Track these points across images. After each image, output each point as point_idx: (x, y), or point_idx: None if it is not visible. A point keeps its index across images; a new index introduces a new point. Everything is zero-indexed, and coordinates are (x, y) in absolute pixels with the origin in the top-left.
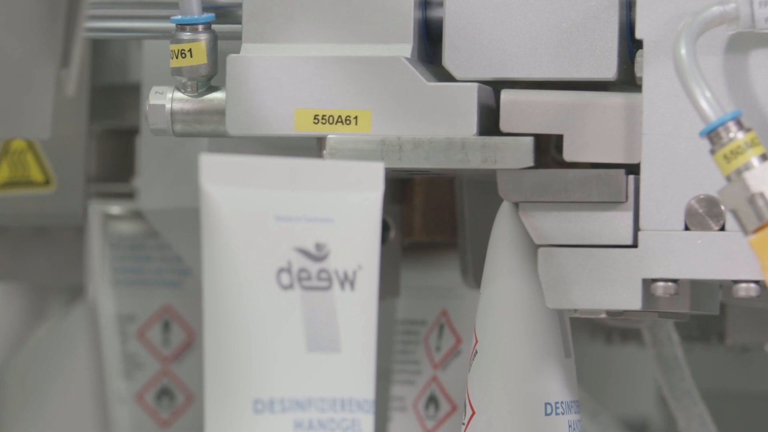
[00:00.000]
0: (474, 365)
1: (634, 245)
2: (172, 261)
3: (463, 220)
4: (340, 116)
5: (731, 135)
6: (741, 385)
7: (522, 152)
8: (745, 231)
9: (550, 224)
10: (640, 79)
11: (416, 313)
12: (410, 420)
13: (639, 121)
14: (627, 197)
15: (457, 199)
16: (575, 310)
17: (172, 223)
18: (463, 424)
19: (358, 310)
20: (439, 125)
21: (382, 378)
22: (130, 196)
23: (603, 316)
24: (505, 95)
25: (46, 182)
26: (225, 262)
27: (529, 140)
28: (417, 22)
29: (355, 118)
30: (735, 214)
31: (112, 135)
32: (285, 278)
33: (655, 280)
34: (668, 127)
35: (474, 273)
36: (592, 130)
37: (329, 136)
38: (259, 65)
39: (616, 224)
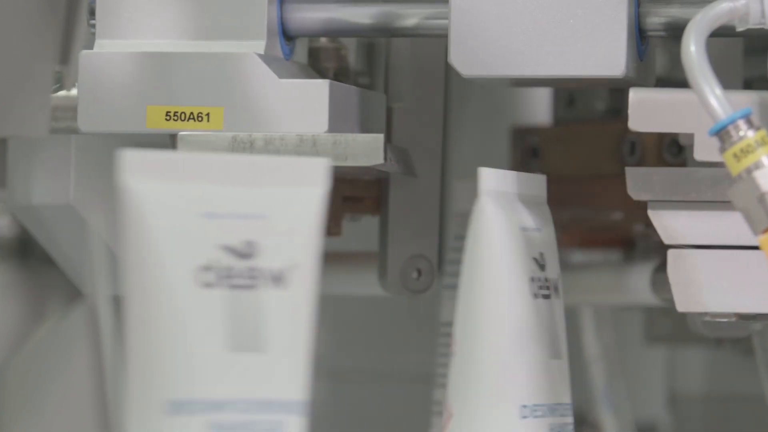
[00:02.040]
0: (452, 367)
1: None
2: None
3: (386, 222)
4: (192, 113)
5: (741, 133)
6: None
7: (373, 149)
8: (755, 231)
9: (680, 224)
10: None
11: (446, 315)
12: None
13: None
14: None
15: (381, 200)
16: (706, 314)
17: (41, 220)
18: (443, 427)
19: (289, 309)
20: (292, 122)
21: (424, 382)
22: None
23: (734, 319)
24: (634, 94)
25: None
26: (144, 260)
27: (380, 137)
28: (272, 19)
29: (207, 114)
30: (745, 213)
31: None
32: (206, 276)
33: None
34: None
35: (392, 277)
36: None
37: (181, 132)
38: (111, 61)
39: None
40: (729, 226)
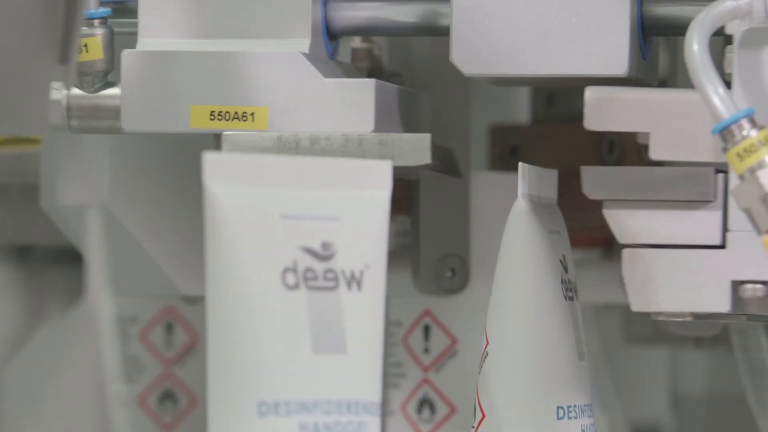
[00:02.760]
0: (485, 368)
1: (723, 246)
2: None
3: (417, 222)
4: (236, 112)
5: (744, 133)
6: None
7: (420, 149)
8: (759, 231)
9: (635, 224)
10: (729, 75)
11: (391, 314)
12: (399, 423)
13: None
14: (716, 196)
15: (412, 200)
16: (660, 313)
17: (75, 222)
18: (473, 427)
19: (365, 311)
20: (337, 121)
21: None
22: None
23: (689, 319)
24: (590, 92)
25: None
26: (229, 262)
27: (427, 137)
28: (316, 18)
29: (252, 114)
30: (748, 213)
31: None
32: (290, 278)
33: (743, 282)
34: None
35: (425, 278)
36: (680, 128)
37: (225, 132)
38: (155, 60)
39: (704, 224)
40: (685, 225)
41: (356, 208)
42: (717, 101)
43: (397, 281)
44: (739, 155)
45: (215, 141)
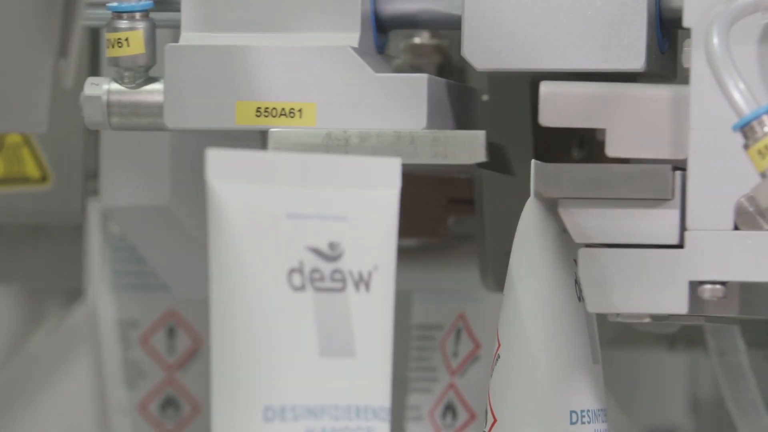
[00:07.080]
0: (496, 371)
1: (681, 245)
2: None
3: (482, 218)
4: (283, 108)
5: (766, 129)
6: None
7: (475, 147)
8: None
9: (591, 222)
10: (687, 70)
11: (432, 318)
12: (426, 430)
13: (686, 115)
14: (673, 194)
15: (475, 196)
16: (617, 314)
17: (136, 223)
18: None
19: (373, 313)
20: (388, 118)
21: (397, 386)
22: None
23: (646, 320)
24: (545, 87)
25: (43, 178)
26: (233, 263)
27: (482, 134)
28: (365, 11)
29: (300, 110)
30: None
31: None
32: (297, 279)
33: (702, 283)
34: (717, 121)
35: (494, 275)
36: (636, 124)
37: (272, 129)
38: (199, 55)
39: (661, 223)
40: (641, 224)
41: (364, 207)
42: (738, 97)
43: (434, 281)
44: (760, 152)
45: (262, 138)
